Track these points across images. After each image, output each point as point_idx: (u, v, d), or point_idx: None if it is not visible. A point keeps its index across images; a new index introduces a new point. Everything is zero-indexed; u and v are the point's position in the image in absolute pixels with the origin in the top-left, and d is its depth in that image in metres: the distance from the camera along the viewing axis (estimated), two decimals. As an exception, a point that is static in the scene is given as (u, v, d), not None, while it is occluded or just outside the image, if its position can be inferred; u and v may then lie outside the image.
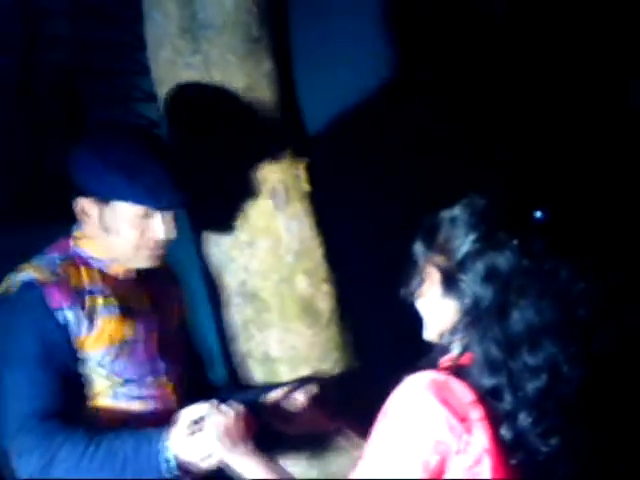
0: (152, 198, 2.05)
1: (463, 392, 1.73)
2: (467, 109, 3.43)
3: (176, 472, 2.01)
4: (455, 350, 1.82)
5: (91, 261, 2.15)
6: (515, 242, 1.73)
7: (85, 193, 2.09)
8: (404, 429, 1.72)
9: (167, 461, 2.00)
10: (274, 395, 2.24)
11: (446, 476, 1.72)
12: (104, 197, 2.07)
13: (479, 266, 1.75)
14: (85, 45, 4.33)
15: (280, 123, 2.51)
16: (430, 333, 1.87)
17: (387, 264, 2.25)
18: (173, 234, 2.11)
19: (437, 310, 1.84)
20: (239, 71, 2.47)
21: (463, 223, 1.80)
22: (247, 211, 2.48)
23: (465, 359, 1.79)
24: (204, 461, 2.00)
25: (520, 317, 1.73)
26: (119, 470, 2.01)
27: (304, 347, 2.51)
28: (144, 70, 2.73)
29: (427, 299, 1.85)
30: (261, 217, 2.48)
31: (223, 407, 2.01)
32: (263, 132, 2.48)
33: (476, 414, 1.72)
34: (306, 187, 2.52)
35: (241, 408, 2.01)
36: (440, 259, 1.81)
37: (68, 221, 2.21)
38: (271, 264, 2.50)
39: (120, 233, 2.09)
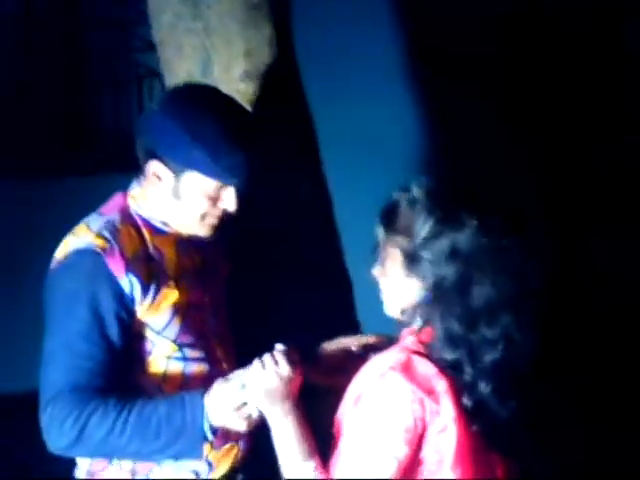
0: (233, 176, 2.04)
1: (426, 367, 1.84)
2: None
3: (211, 437, 2.00)
4: (415, 326, 1.91)
5: (152, 223, 2.11)
6: (475, 222, 1.81)
7: (162, 159, 2.04)
8: (377, 423, 1.82)
9: (201, 426, 1.98)
10: (332, 346, 2.23)
11: (423, 449, 1.83)
12: (183, 167, 2.04)
13: (440, 246, 1.83)
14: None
15: (279, 89, 2.54)
16: (392, 310, 1.96)
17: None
18: (237, 207, 2.10)
19: (399, 289, 1.92)
20: (239, 37, 2.50)
21: (423, 205, 1.87)
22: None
23: (425, 334, 1.89)
24: (240, 421, 1.99)
25: (480, 293, 1.82)
26: (153, 436, 1.98)
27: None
28: (144, 19, 2.74)
29: (389, 279, 1.93)
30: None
31: (269, 368, 1.98)
32: (262, 98, 2.51)
33: (441, 386, 1.82)
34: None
35: (287, 370, 1.97)
36: (402, 240, 1.88)
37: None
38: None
39: (191, 202, 2.06)
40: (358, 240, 2.14)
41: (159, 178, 2.06)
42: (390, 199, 1.93)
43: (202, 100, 2.07)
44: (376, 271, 1.97)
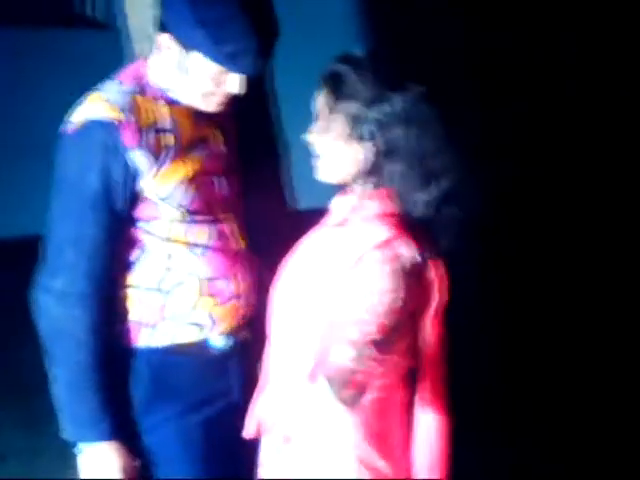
0: (235, 63, 2.02)
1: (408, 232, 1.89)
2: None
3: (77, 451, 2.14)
4: (366, 189, 1.94)
5: (167, 93, 2.11)
6: (420, 87, 1.88)
7: (171, 34, 2.04)
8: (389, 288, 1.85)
9: (76, 441, 2.14)
10: None
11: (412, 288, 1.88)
12: (189, 46, 2.03)
13: (390, 107, 1.87)
14: None
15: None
16: (332, 176, 1.97)
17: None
18: (245, 90, 2.08)
19: (344, 155, 1.93)
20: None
21: (368, 69, 1.89)
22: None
23: (380, 197, 1.92)
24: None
25: (432, 152, 1.88)
26: (64, 393, 2.10)
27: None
28: None
29: (333, 145, 1.94)
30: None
31: None
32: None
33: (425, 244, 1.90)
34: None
35: None
36: (348, 105, 1.90)
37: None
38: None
39: (195, 79, 2.06)
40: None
41: (168, 49, 2.06)
42: (330, 66, 1.94)
43: None
44: (313, 137, 1.97)
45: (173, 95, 2.11)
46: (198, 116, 2.13)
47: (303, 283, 1.96)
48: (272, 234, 2.22)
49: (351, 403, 1.89)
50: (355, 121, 1.90)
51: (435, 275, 1.91)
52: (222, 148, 2.20)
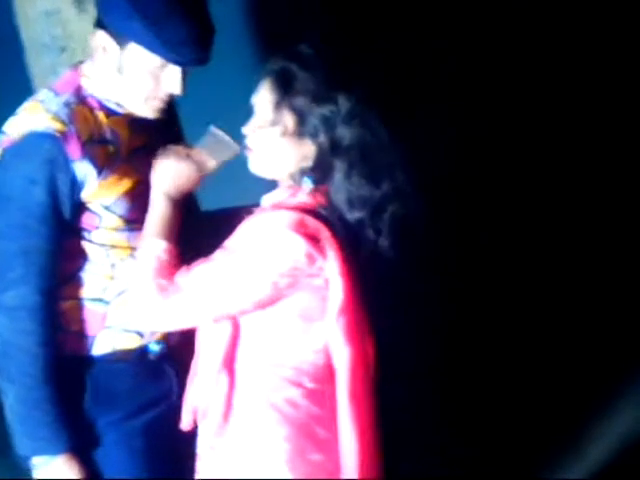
0: (175, 52, 1.98)
1: (316, 225, 1.90)
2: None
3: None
4: (305, 187, 1.96)
5: (105, 103, 2.09)
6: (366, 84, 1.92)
7: (107, 28, 2.00)
8: (262, 252, 1.88)
9: (27, 457, 2.13)
10: None
11: (293, 292, 1.91)
12: (125, 39, 1.99)
13: (338, 105, 1.89)
14: None
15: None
16: (270, 172, 1.99)
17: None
18: (183, 91, 2.05)
19: (288, 151, 1.95)
20: None
21: (318, 67, 1.91)
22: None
23: (318, 196, 1.94)
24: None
25: (378, 151, 1.91)
26: (13, 399, 2.09)
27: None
28: None
29: (276, 142, 1.95)
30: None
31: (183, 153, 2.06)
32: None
33: (328, 241, 1.90)
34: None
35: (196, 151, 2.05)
36: (298, 101, 1.91)
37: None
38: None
39: (133, 78, 2.02)
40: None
41: (104, 50, 2.03)
42: (276, 61, 1.95)
43: None
44: (252, 131, 1.97)
45: (110, 104, 2.10)
46: (136, 125, 2.12)
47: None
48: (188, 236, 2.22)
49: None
50: (301, 117, 1.91)
51: (333, 276, 1.91)
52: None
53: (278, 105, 1.92)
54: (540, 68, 3.53)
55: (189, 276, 1.92)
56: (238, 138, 2.04)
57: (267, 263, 1.88)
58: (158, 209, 2.02)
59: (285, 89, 1.91)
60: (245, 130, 1.99)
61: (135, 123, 2.12)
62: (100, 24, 2.03)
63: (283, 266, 1.88)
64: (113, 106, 2.10)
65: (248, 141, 1.99)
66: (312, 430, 1.98)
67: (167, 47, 1.97)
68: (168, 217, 2.01)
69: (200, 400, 2.04)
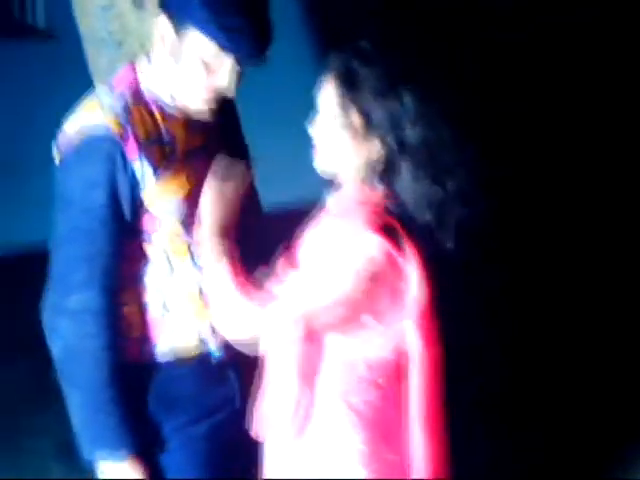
0: (230, 40, 1.96)
1: (394, 225, 1.89)
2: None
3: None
4: (373, 186, 1.94)
5: (160, 97, 2.09)
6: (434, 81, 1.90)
7: (168, 11, 2.00)
8: (348, 255, 1.87)
9: (92, 460, 2.12)
10: None
11: (374, 286, 1.89)
12: (184, 23, 1.98)
13: (404, 104, 1.86)
14: None
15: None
16: (345, 172, 1.96)
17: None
18: (234, 88, 2.04)
19: (356, 150, 1.92)
20: None
21: (382, 64, 1.89)
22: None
23: (382, 196, 1.92)
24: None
25: (442, 151, 1.88)
26: (77, 399, 2.08)
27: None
28: None
29: (345, 142, 1.92)
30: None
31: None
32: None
33: (405, 241, 1.89)
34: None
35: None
36: (363, 98, 1.89)
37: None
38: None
39: (188, 67, 2.01)
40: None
41: (162, 38, 2.02)
42: (339, 58, 1.92)
43: None
44: (318, 129, 1.95)
45: (164, 98, 2.09)
46: (193, 125, 2.11)
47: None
48: (249, 237, 2.20)
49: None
50: (368, 115, 1.89)
51: (411, 276, 1.90)
52: (217, 152, 2.16)
53: (344, 103, 1.90)
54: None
55: (284, 285, 1.91)
56: (301, 136, 2.01)
57: (355, 266, 1.87)
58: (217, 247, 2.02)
59: (350, 86, 1.89)
60: (311, 129, 1.97)
61: (192, 124, 2.12)
62: (161, 5, 2.03)
63: (370, 267, 1.87)
64: (168, 100, 2.09)
65: (314, 140, 1.97)
66: (388, 431, 1.98)
67: (223, 33, 1.95)
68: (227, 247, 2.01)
69: (275, 404, 2.01)
